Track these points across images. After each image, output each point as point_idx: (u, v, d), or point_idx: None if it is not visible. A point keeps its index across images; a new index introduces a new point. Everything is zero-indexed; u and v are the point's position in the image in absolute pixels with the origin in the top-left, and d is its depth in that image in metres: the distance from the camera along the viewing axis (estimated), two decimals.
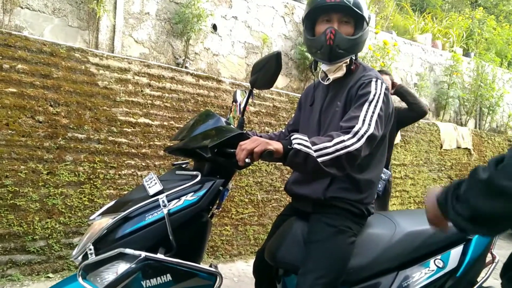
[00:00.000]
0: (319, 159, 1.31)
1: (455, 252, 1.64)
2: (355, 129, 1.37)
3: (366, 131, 1.37)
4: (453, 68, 6.01)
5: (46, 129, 2.90)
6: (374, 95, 1.45)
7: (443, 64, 6.19)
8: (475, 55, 6.81)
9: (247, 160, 1.29)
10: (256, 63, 1.65)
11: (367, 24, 1.60)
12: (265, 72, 1.58)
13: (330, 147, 1.33)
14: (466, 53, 6.78)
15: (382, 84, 1.50)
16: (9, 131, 2.77)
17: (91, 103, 3.06)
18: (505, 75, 6.69)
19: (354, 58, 1.61)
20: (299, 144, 1.31)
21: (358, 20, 1.58)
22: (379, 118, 1.43)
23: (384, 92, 1.48)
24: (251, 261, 2.00)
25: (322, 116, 1.65)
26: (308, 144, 1.32)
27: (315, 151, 1.31)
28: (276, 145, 1.32)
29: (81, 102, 3.02)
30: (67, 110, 2.97)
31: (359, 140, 1.36)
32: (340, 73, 1.60)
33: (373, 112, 1.42)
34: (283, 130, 1.99)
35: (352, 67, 1.60)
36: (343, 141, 1.34)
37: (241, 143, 1.32)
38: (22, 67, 2.82)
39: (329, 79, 1.63)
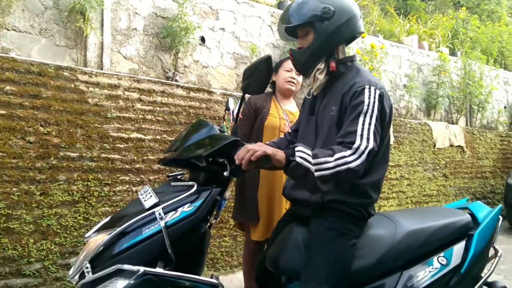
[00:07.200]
0: (318, 173, 1.33)
1: (458, 248, 1.63)
2: (355, 145, 1.37)
3: (366, 147, 1.38)
4: (440, 67, 6.07)
5: (38, 149, 2.86)
6: (368, 105, 1.44)
7: (431, 64, 6.25)
8: (462, 54, 6.88)
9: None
10: (247, 69, 1.65)
11: (325, 19, 1.52)
12: (257, 76, 1.58)
13: (331, 161, 1.34)
14: (453, 53, 6.84)
15: (375, 90, 1.48)
16: (0, 154, 2.73)
17: (82, 121, 3.03)
18: (492, 72, 6.76)
19: (330, 59, 1.57)
20: (301, 158, 1.34)
21: (314, 27, 1.54)
22: (376, 130, 1.43)
23: (379, 99, 1.47)
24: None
25: (318, 120, 1.64)
26: (310, 159, 1.34)
27: (315, 164, 1.33)
28: (279, 155, 1.34)
29: (72, 121, 2.99)
30: (58, 129, 2.94)
31: (360, 156, 1.36)
32: (318, 82, 1.60)
33: (370, 125, 1.42)
34: (282, 136, 1.97)
35: (330, 68, 1.56)
36: (344, 156, 1.35)
37: (242, 147, 1.35)
38: (10, 89, 2.78)
39: (316, 89, 1.64)
